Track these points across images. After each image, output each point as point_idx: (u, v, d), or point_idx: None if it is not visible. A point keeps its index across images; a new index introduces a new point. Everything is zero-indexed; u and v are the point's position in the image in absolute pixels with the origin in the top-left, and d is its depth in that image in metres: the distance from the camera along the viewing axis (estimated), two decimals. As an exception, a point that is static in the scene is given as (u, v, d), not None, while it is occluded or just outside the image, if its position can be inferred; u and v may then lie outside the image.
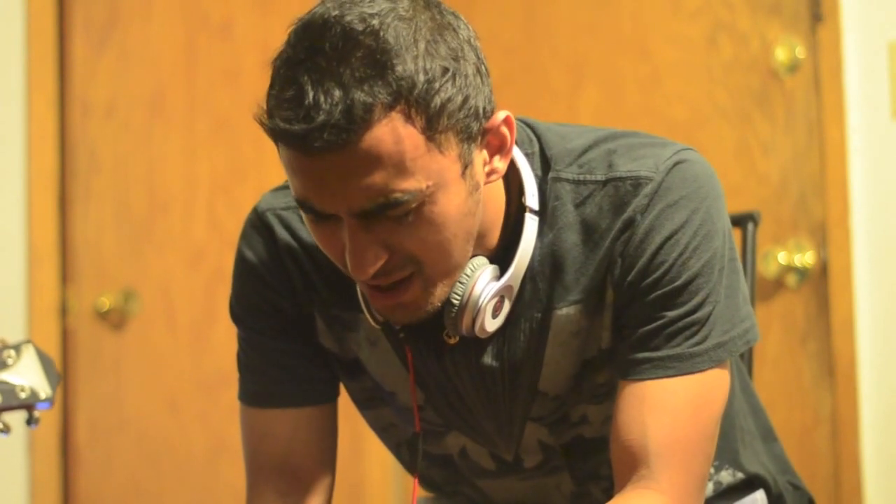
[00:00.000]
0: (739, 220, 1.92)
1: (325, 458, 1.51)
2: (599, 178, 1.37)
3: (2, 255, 3.16)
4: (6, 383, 1.47)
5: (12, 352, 1.48)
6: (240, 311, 1.51)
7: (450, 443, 1.53)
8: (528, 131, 1.41)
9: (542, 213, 1.37)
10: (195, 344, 3.12)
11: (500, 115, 1.29)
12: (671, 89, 2.65)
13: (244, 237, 1.50)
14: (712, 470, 1.53)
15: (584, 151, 1.39)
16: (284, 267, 1.47)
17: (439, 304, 1.32)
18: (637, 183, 1.35)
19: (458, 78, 1.23)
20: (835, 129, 2.46)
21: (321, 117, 1.17)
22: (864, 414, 2.44)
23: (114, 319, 3.20)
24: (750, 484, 1.57)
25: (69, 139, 3.23)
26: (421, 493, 1.71)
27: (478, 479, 1.56)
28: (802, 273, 2.50)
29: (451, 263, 1.30)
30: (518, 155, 1.38)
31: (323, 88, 1.17)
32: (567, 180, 1.38)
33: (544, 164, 1.39)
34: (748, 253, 1.91)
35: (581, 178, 1.37)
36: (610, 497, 1.34)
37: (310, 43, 1.20)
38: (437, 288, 1.31)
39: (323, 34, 1.20)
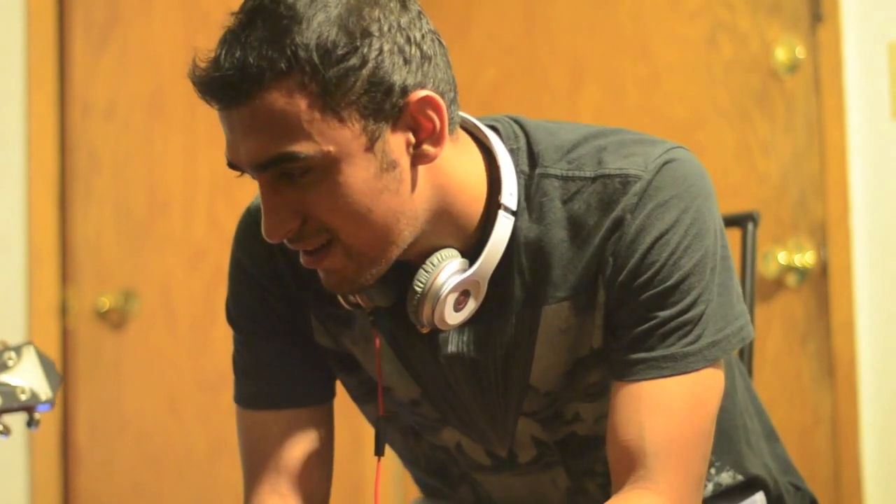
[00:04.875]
0: (739, 220, 1.92)
1: (322, 458, 1.51)
2: (588, 174, 1.37)
3: (2, 255, 3.16)
4: (6, 385, 1.47)
5: (13, 353, 1.48)
6: (235, 313, 1.52)
7: (445, 437, 1.53)
8: (515, 127, 1.41)
9: (529, 209, 1.37)
10: (195, 344, 3.12)
11: (419, 93, 1.29)
12: (671, 89, 2.65)
13: (237, 239, 1.51)
14: (713, 471, 1.53)
15: (573, 147, 1.39)
16: (276, 266, 1.48)
17: (371, 278, 1.33)
18: (626, 181, 1.35)
19: (365, 51, 1.25)
20: (835, 129, 2.46)
21: (217, 73, 1.25)
22: (864, 414, 2.44)
23: (114, 319, 3.20)
24: (750, 486, 1.57)
25: (69, 139, 3.23)
26: (417, 495, 1.72)
27: (475, 473, 1.56)
28: (802, 273, 2.50)
29: (371, 237, 1.30)
30: (501, 150, 1.38)
31: (227, 48, 1.25)
32: (555, 176, 1.38)
33: (531, 160, 1.39)
34: (748, 253, 1.91)
35: (570, 174, 1.37)
36: (605, 492, 1.34)
37: (240, 7, 1.28)
38: (363, 259, 1.32)
39: (246, 1, 1.28)
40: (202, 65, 1.27)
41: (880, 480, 2.44)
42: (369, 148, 1.27)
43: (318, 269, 1.35)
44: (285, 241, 1.32)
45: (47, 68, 3.20)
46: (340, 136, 1.26)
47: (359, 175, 1.27)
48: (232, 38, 1.25)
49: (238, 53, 1.24)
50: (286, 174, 1.28)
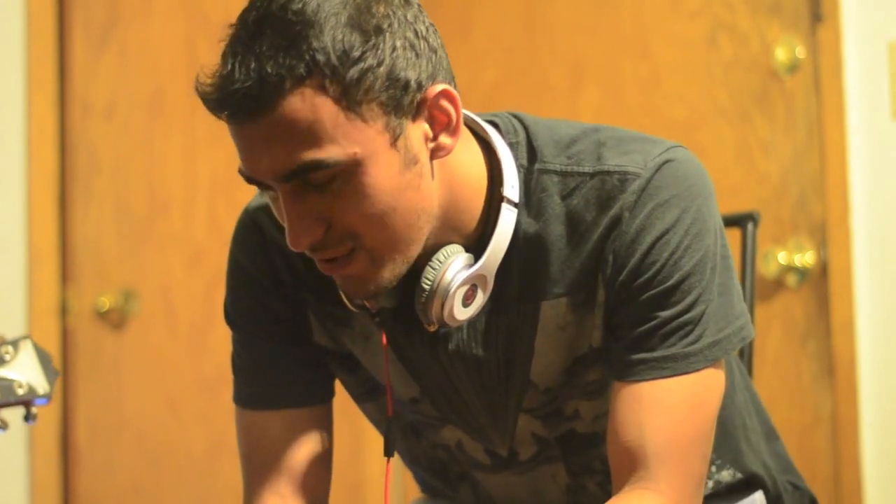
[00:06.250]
0: (739, 220, 1.92)
1: (321, 458, 1.51)
2: (587, 170, 1.37)
3: (2, 255, 3.16)
4: (4, 379, 1.47)
5: (10, 348, 1.48)
6: (233, 313, 1.52)
7: (446, 436, 1.53)
8: (515, 121, 1.41)
9: (528, 204, 1.37)
10: (195, 344, 3.12)
11: (436, 87, 1.29)
12: (671, 89, 2.65)
13: (235, 238, 1.51)
14: (713, 468, 1.53)
15: (573, 142, 1.39)
16: (274, 266, 1.47)
17: (393, 279, 1.32)
18: (624, 178, 1.35)
19: (380, 49, 1.24)
20: (835, 129, 2.46)
21: (234, 86, 1.22)
22: (864, 414, 2.44)
23: (114, 319, 3.20)
24: (749, 484, 1.57)
25: (69, 139, 3.23)
26: (418, 495, 1.71)
27: (475, 472, 1.56)
28: (802, 273, 2.50)
29: (394, 236, 1.29)
30: (500, 144, 1.38)
31: (240, 60, 1.22)
32: (554, 171, 1.37)
33: (531, 154, 1.39)
34: (748, 253, 1.91)
35: (568, 169, 1.37)
36: (604, 491, 1.34)
37: (240, 19, 1.25)
38: (385, 261, 1.30)
39: (251, 10, 1.25)
40: (209, 80, 1.24)
41: (880, 480, 2.44)
42: (392, 144, 1.26)
43: (337, 275, 1.33)
44: (307, 251, 1.30)
45: (47, 68, 3.20)
46: (364, 137, 1.24)
47: (384, 173, 1.26)
48: (242, 50, 1.22)
49: (253, 64, 1.21)
50: (310, 181, 1.26)
